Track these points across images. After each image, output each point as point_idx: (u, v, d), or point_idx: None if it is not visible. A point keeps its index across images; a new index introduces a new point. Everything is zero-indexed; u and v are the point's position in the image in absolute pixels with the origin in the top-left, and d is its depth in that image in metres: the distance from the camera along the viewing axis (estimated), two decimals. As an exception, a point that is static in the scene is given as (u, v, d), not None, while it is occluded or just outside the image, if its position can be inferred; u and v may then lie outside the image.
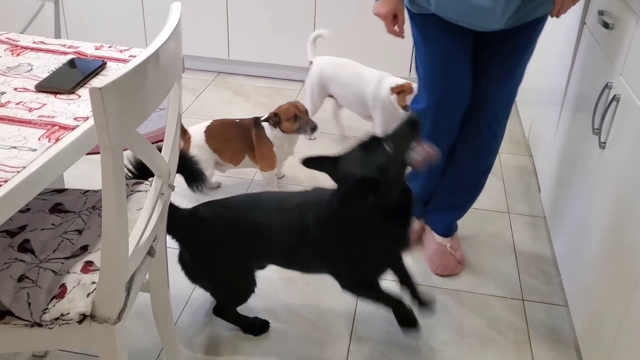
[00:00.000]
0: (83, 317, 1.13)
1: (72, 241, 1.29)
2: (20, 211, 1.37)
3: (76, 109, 1.22)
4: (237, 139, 2.39)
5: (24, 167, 1.02)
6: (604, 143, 1.66)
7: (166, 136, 1.29)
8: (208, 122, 2.42)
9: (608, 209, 1.58)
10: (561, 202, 2.09)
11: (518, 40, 1.79)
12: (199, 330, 1.83)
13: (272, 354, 1.75)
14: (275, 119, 2.32)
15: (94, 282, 1.16)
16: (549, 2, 1.66)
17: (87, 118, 1.19)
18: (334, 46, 2.98)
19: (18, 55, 1.46)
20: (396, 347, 1.79)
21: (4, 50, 1.48)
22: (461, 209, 2.19)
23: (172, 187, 1.38)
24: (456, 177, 2.08)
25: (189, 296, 1.94)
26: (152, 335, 1.79)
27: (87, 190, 1.47)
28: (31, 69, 1.39)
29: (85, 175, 2.53)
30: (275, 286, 2.01)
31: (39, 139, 1.10)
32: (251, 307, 1.91)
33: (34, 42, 1.54)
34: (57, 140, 1.10)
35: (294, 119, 2.30)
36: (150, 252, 1.35)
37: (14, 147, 1.07)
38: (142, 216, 1.21)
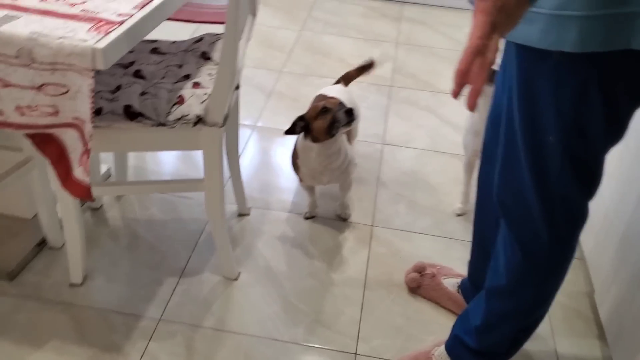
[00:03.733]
0: (198, 120, 1.45)
1: (175, 72, 1.60)
2: (126, 52, 1.67)
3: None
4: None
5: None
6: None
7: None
8: (329, 89, 2.03)
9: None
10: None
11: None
12: (253, 177, 2.17)
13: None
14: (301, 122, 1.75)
15: (205, 94, 1.48)
16: None
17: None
18: None
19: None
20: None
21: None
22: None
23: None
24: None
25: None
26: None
27: (175, 41, 1.77)
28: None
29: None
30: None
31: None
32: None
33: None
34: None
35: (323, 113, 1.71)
36: (237, 86, 1.67)
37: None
38: (241, 43, 1.51)
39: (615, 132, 1.06)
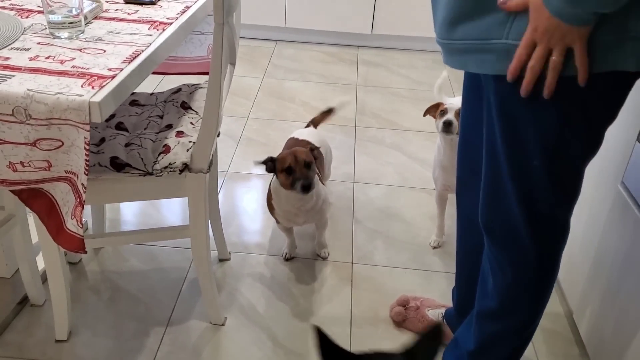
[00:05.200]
0: (184, 167, 1.48)
1: (157, 122, 1.63)
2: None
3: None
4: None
5: (149, 44, 1.35)
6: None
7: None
8: (300, 133, 2.13)
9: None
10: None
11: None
12: (229, 221, 2.19)
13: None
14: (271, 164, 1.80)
15: (190, 142, 1.51)
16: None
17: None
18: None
19: (27, 17, 1.46)
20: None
21: (14, 15, 1.46)
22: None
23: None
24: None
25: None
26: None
27: (153, 92, 1.80)
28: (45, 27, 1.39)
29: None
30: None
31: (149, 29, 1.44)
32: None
33: (38, 6, 1.51)
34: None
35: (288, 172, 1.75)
36: (218, 133, 1.70)
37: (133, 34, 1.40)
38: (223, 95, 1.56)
39: (594, 146, 1.13)
